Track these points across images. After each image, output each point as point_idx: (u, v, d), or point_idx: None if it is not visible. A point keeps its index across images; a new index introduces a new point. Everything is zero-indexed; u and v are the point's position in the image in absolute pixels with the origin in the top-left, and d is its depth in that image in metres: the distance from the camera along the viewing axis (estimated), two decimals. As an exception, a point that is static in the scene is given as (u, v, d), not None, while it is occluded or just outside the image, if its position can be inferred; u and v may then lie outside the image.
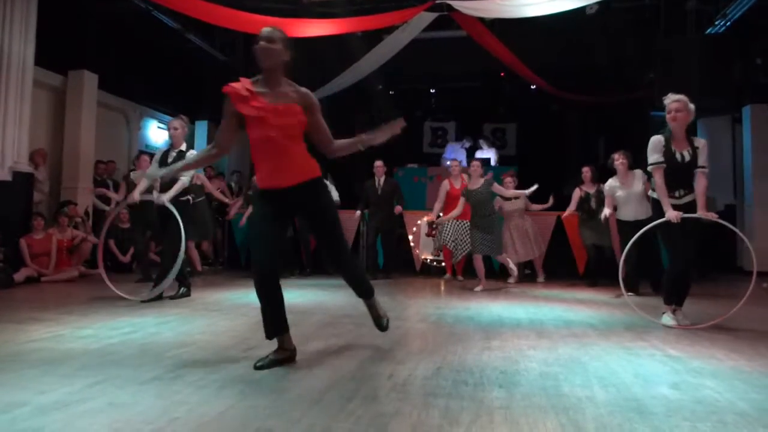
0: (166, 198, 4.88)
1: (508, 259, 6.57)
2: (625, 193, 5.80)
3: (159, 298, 4.88)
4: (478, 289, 6.18)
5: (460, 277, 7.43)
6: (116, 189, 8.38)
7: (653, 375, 2.62)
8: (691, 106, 3.91)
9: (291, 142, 2.63)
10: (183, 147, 5.10)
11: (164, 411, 1.99)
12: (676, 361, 2.91)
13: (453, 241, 6.88)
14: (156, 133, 10.62)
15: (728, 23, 8.13)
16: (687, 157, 3.92)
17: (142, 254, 6.93)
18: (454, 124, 13.08)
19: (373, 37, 8.88)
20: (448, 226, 6.90)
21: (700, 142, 3.97)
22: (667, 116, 3.93)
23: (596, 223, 6.48)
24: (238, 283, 6.51)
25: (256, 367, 2.54)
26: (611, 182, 5.91)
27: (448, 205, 7.01)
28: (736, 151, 9.84)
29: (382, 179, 7.62)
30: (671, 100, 3.92)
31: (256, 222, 2.75)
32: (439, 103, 12.90)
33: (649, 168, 4.05)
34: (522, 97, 11.98)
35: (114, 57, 8.60)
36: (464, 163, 10.05)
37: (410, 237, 8.38)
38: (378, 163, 7.62)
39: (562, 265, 7.78)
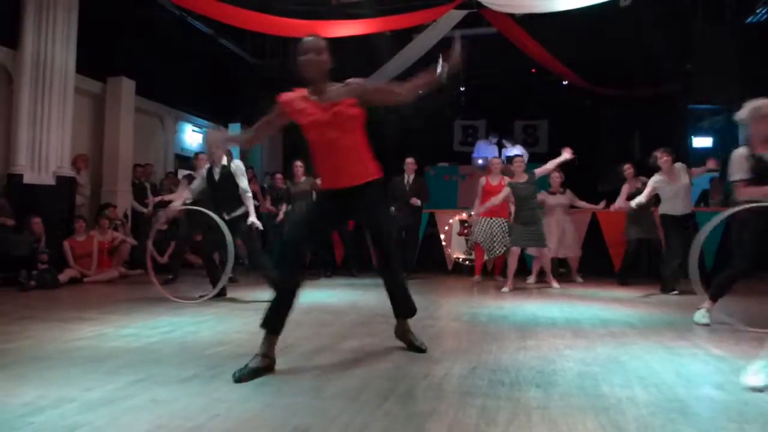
0: (253, 219, 5.00)
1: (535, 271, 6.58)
2: (674, 189, 5.74)
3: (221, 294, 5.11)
4: (505, 289, 6.03)
5: (499, 277, 7.25)
6: (153, 191, 8.60)
7: (696, 375, 2.54)
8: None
9: (348, 141, 2.65)
10: (225, 161, 5.11)
11: (205, 408, 2.03)
12: (720, 361, 2.82)
13: (488, 239, 6.80)
14: (191, 136, 10.85)
15: (770, 11, 7.85)
16: None
17: (179, 254, 7.05)
18: (485, 122, 12.93)
19: (403, 37, 8.88)
20: (482, 224, 6.84)
21: None
22: (753, 126, 3.75)
23: (644, 217, 6.38)
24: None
25: (236, 380, 2.35)
26: (658, 178, 5.80)
27: (484, 201, 6.93)
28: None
29: (412, 176, 7.53)
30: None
31: (299, 221, 2.83)
32: (470, 102, 12.79)
33: (734, 184, 3.84)
34: (553, 93, 11.78)
35: (150, 63, 8.84)
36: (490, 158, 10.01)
37: (442, 236, 8.35)
38: (409, 160, 7.51)
39: (598, 263, 7.63)
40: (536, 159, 11.62)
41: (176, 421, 1.89)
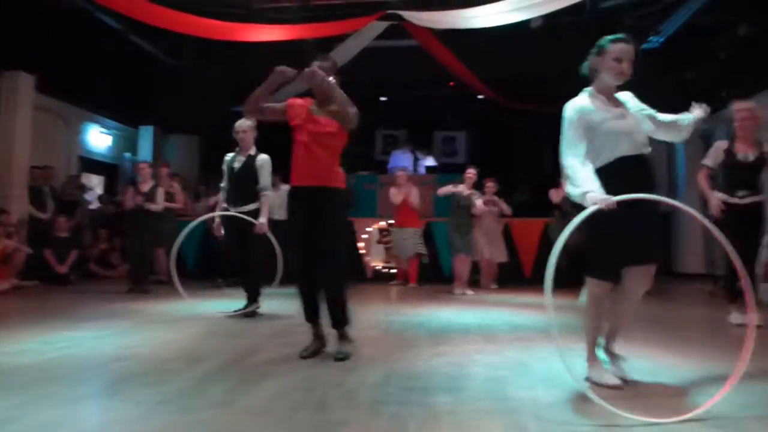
0: (263, 219, 4.51)
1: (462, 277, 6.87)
2: None
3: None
4: (458, 291, 6.62)
5: (412, 284, 7.51)
6: (54, 196, 7.98)
7: (594, 375, 2.70)
8: (760, 111, 4.08)
9: (321, 150, 3.03)
10: (252, 151, 4.71)
11: (99, 429, 1.91)
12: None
13: (400, 248, 7.32)
14: (97, 138, 10.20)
15: (662, 39, 8.59)
16: (750, 158, 4.05)
17: (137, 263, 6.49)
18: (406, 132, 13.17)
19: (325, 45, 8.87)
20: (396, 234, 7.38)
21: None
22: (735, 123, 4.11)
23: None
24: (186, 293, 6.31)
25: (302, 357, 2.98)
26: None
27: (399, 211, 7.41)
28: (670, 160, 10.37)
29: None
30: (738, 108, 4.10)
31: (294, 227, 3.13)
32: (391, 112, 12.97)
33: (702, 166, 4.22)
34: (471, 106, 12.22)
35: (53, 58, 8.22)
36: (411, 168, 10.64)
37: (361, 244, 8.39)
38: None
39: (509, 271, 7.96)
40: (454, 170, 12.01)
41: (66, 444, 1.76)
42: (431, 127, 13.14)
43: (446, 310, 5.17)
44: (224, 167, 4.79)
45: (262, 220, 4.52)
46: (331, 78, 3.06)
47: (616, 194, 2.25)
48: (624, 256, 2.44)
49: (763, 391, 2.44)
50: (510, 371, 2.77)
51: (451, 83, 10.90)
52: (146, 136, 10.74)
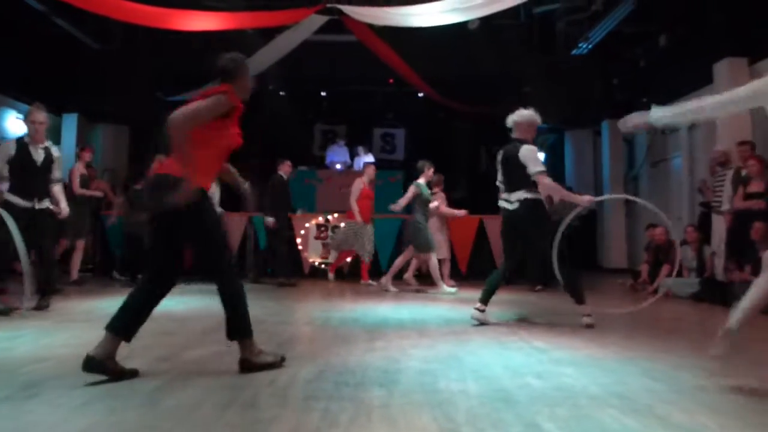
0: (65, 206, 4.79)
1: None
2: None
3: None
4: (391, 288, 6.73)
5: (331, 275, 7.78)
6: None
7: (521, 366, 2.82)
8: (534, 119, 4.56)
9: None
10: (47, 143, 4.63)
11: (13, 434, 1.80)
12: (541, 352, 3.17)
13: (344, 242, 7.37)
14: (14, 125, 9.52)
15: (590, 46, 9.02)
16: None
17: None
18: (345, 128, 13.15)
19: (264, 36, 8.70)
20: (342, 228, 7.42)
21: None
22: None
23: None
24: (110, 291, 6.04)
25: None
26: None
27: (361, 205, 7.37)
28: (596, 161, 10.94)
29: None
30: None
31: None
32: (331, 107, 12.90)
33: (538, 175, 4.12)
34: (410, 103, 12.34)
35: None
36: (348, 163, 11.32)
37: (298, 240, 8.31)
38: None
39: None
40: (393, 166, 12.13)
41: (-25, 451, 1.65)
42: (371, 123, 13.18)
43: (383, 306, 5.22)
44: (10, 151, 4.50)
45: (65, 206, 4.77)
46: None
47: None
48: None
49: (671, 376, 2.64)
50: (442, 364, 2.84)
51: (391, 80, 10.97)
52: (70, 124, 10.13)
